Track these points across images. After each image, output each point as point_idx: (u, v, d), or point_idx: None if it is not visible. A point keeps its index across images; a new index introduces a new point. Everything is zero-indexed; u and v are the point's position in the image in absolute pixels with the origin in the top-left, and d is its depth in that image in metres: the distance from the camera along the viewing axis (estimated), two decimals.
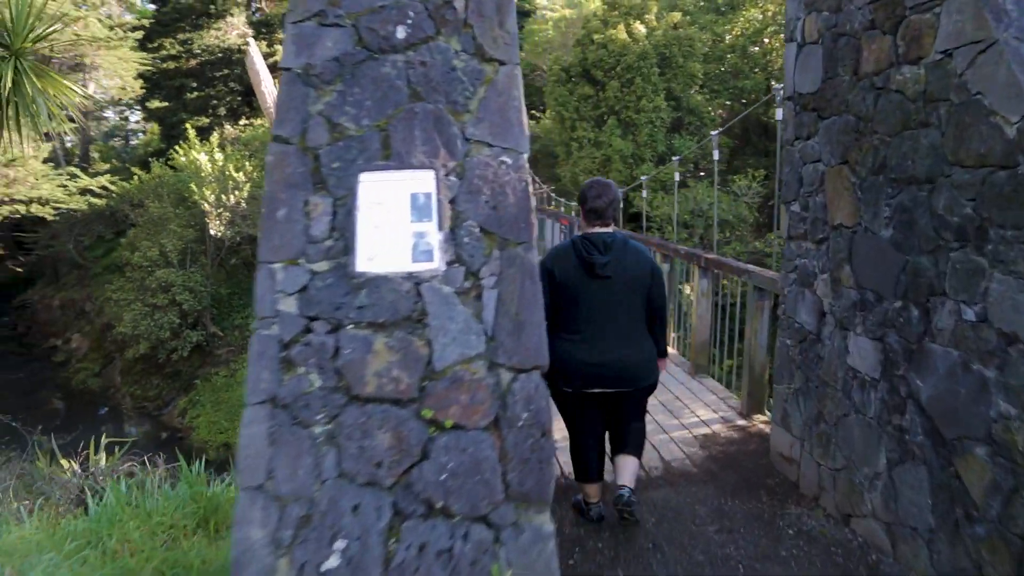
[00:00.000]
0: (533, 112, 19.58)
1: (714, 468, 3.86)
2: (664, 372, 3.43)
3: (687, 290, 6.01)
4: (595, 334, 3.02)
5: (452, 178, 2.25)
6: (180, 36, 28.57)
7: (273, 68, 26.38)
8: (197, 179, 16.08)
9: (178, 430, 15.47)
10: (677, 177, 11.15)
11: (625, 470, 3.14)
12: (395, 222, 2.21)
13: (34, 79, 5.39)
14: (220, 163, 15.96)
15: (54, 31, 6.22)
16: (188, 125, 19.83)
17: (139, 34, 23.19)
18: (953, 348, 2.30)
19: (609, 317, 3.03)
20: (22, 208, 21.42)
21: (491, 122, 2.29)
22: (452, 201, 2.23)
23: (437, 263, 2.17)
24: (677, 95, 15.10)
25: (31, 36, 5.40)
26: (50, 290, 25.82)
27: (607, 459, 3.28)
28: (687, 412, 4.75)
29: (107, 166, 27.61)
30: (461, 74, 2.30)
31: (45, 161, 22.74)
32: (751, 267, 4.66)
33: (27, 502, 3.55)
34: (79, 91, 6.64)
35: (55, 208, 22.03)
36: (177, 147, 17.53)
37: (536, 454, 2.08)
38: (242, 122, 26.71)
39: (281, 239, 2.18)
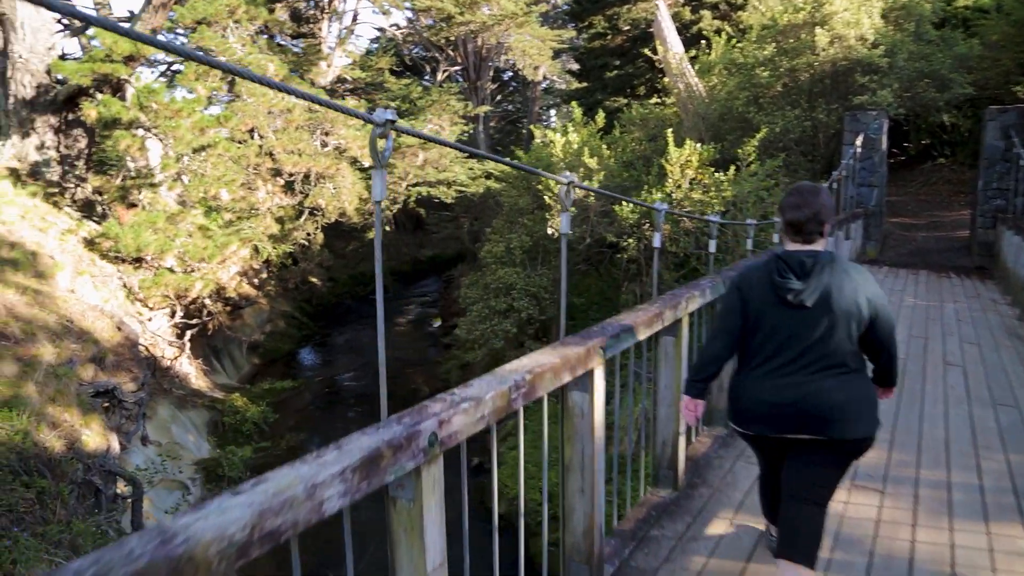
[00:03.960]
0: None
1: None
2: None
3: None
4: (780, 370, 2.50)
5: None
6: (608, 12, 27.01)
7: (698, 37, 22.87)
8: (546, 165, 13.50)
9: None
10: None
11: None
12: None
13: None
14: (575, 146, 13.07)
15: None
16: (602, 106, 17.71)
17: (542, 7, 21.77)
18: None
19: (801, 353, 2.49)
20: (429, 190, 21.94)
21: None
22: None
23: None
24: None
25: None
26: (466, 268, 26.76)
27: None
28: None
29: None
30: None
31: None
32: None
33: None
34: None
35: (457, 191, 22.14)
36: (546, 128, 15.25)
37: None
38: (652, 100, 23.87)
39: None
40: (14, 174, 13.60)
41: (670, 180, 11.46)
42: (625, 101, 25.00)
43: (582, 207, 12.92)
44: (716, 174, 11.14)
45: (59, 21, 20.08)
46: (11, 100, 14.13)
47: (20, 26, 13.94)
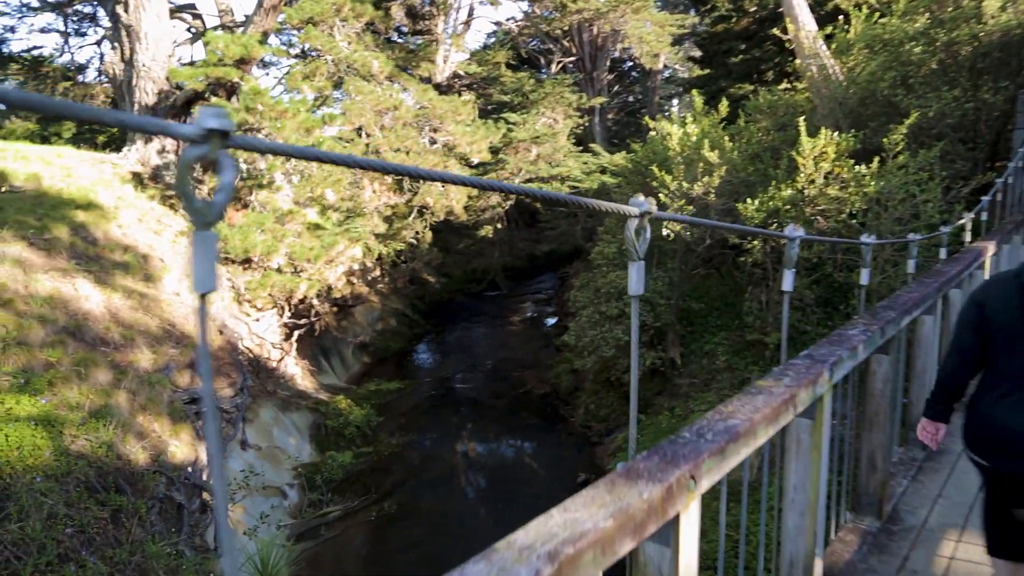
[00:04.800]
0: None
1: None
2: None
3: None
4: None
5: None
6: None
7: (834, 14, 20.95)
8: (662, 160, 12.47)
9: (603, 473, 12.36)
10: None
11: None
12: None
13: None
14: (694, 138, 11.95)
15: None
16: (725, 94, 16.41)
17: None
18: None
19: None
20: (542, 185, 21.22)
21: None
22: None
23: None
24: None
25: None
26: (580, 266, 25.85)
27: None
28: None
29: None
30: None
31: (569, 137, 22.24)
32: None
33: None
34: None
35: (571, 187, 21.31)
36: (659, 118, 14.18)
37: None
38: (782, 86, 22.00)
39: None
40: (137, 178, 14.03)
41: (802, 174, 10.16)
42: (751, 88, 23.32)
43: (701, 205, 11.80)
44: (856, 167, 9.74)
45: (188, 29, 20.88)
46: (136, 107, 14.60)
47: (144, 36, 14.35)
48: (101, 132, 24.49)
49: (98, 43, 21.45)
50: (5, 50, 20.09)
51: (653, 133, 13.62)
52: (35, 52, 20.11)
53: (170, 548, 6.29)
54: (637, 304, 1.53)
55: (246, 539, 7.39)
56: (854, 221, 9.49)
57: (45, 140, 23.63)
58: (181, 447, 7.81)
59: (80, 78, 20.77)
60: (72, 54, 23.57)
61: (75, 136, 23.89)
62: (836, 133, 10.18)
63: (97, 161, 14.18)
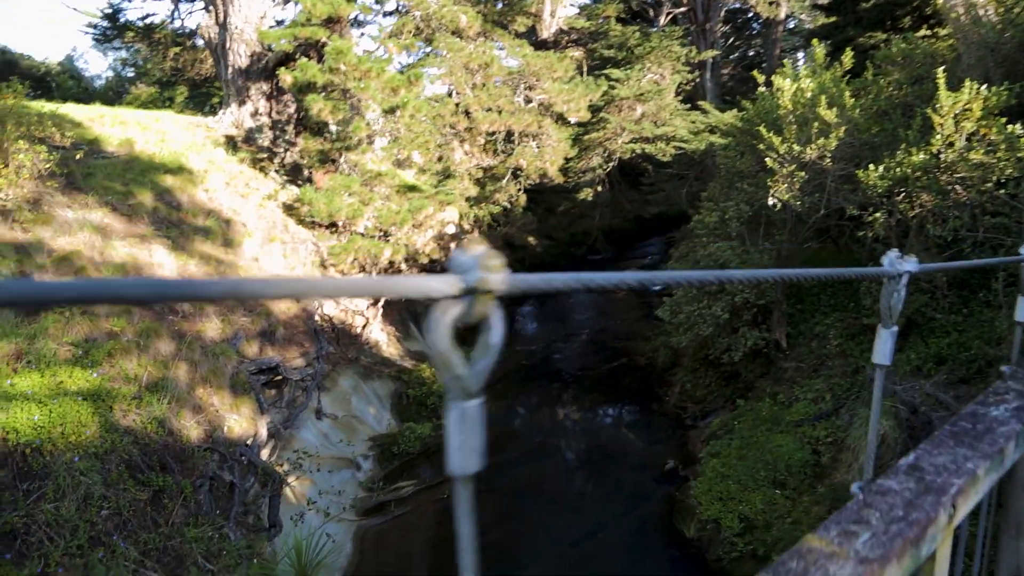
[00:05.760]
0: None
1: None
2: None
3: None
4: None
5: None
6: None
7: None
8: (772, 118, 11.17)
9: (693, 461, 11.42)
10: None
11: None
12: None
13: None
14: (808, 94, 10.59)
15: None
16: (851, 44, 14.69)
17: None
18: None
19: None
20: (645, 147, 20.03)
21: None
22: None
23: None
24: None
25: None
26: (688, 231, 24.52)
27: None
28: None
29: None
30: None
31: (678, 94, 20.80)
32: None
33: None
34: None
35: (676, 147, 19.98)
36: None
37: None
38: (920, 33, 19.55)
39: None
40: (229, 141, 14.07)
41: (938, 135, 8.69)
42: (884, 36, 20.93)
43: (816, 171, 10.47)
44: (1010, 126, 8.20)
45: None
46: (229, 70, 14.60)
47: None
48: (214, 95, 25.15)
49: (205, 8, 21.82)
50: (121, 19, 20.76)
51: (762, 89, 12.24)
52: (148, 20, 20.68)
53: (213, 531, 6.05)
54: (468, 493, 0.76)
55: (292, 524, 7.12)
56: (1002, 192, 8.01)
57: (165, 104, 24.56)
58: (240, 421, 7.60)
59: (190, 43, 21.23)
60: (182, 20, 24.19)
61: (188, 99, 24.65)
62: (984, 86, 8.61)
63: (193, 125, 14.33)
